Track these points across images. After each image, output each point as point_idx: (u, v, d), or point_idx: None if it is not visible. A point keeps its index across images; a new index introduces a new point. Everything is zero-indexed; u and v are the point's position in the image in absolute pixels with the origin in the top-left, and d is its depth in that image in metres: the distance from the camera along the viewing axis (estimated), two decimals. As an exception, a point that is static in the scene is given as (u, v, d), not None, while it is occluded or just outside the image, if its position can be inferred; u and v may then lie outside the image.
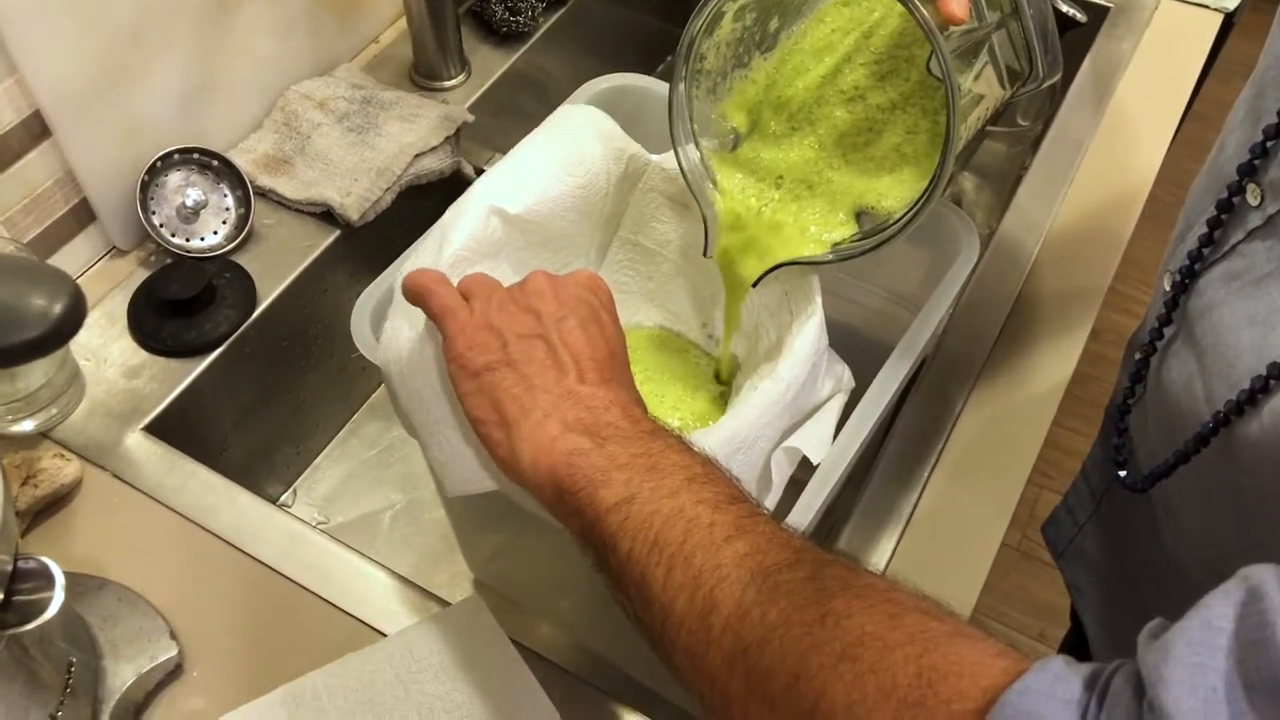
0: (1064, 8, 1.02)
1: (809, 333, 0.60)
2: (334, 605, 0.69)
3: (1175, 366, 0.56)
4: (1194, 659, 0.30)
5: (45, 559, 0.51)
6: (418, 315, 0.60)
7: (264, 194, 0.88)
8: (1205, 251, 0.54)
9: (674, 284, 0.73)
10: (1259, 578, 0.31)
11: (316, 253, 0.87)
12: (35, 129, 0.76)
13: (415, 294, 0.55)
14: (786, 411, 0.58)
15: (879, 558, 0.71)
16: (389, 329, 0.61)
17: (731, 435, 0.56)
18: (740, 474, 0.55)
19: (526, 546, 0.81)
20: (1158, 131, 0.98)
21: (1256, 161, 0.50)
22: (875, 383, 0.62)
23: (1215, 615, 0.31)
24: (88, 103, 0.77)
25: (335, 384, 0.95)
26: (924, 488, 0.74)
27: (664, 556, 0.43)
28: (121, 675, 0.63)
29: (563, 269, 0.70)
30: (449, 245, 0.60)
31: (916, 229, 0.61)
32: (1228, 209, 0.52)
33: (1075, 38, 1.03)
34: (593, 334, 0.52)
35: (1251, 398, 0.47)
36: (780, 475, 0.59)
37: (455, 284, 0.57)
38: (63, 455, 0.73)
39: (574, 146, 0.66)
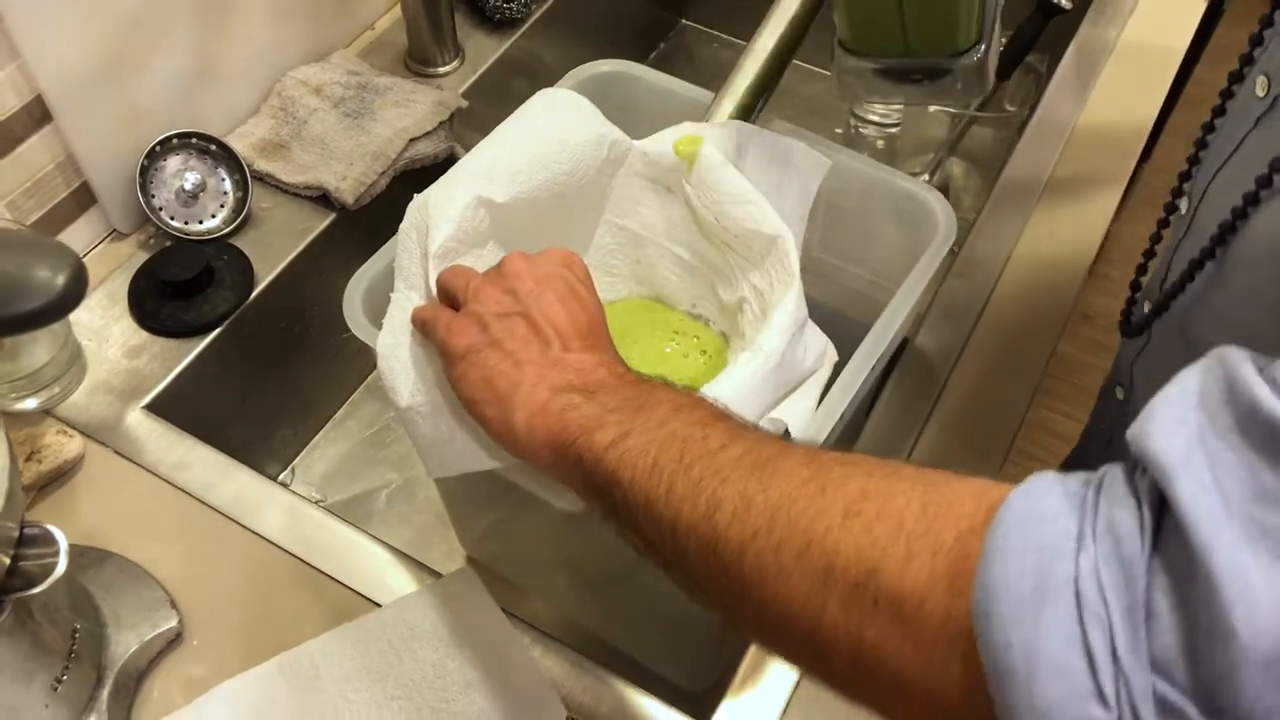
0: (1051, -6, 1.03)
1: (787, 304, 0.61)
2: (331, 577, 0.71)
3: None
4: (1174, 414, 0.32)
5: (49, 526, 0.53)
6: (418, 297, 0.62)
7: (261, 178, 0.90)
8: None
9: (662, 266, 0.75)
10: (1223, 350, 0.33)
11: (313, 235, 0.88)
12: (37, 113, 0.78)
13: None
14: (768, 383, 0.60)
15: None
16: (390, 311, 0.63)
17: None
18: None
19: (518, 527, 0.83)
20: (1142, 115, 1.00)
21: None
22: (855, 356, 0.64)
23: (1188, 381, 0.33)
24: (88, 88, 0.79)
25: (332, 366, 0.96)
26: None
27: (664, 476, 0.44)
28: (124, 643, 0.65)
29: (557, 243, 0.71)
30: (437, 235, 0.61)
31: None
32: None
33: (1061, 23, 1.04)
34: (572, 307, 0.54)
35: (1255, 197, 0.48)
36: None
37: (438, 275, 0.59)
38: (65, 432, 0.75)
39: (556, 133, 0.68)
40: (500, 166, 0.65)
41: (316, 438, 0.97)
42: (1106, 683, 0.30)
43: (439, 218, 0.62)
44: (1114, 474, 0.34)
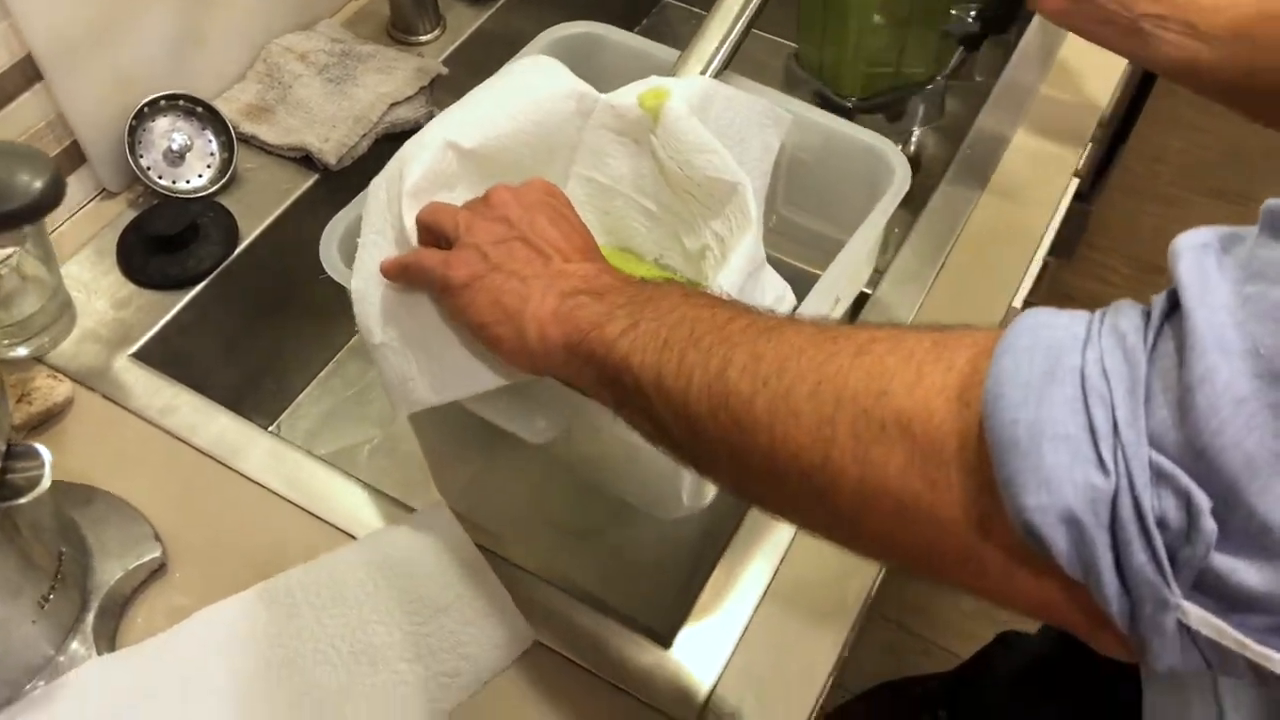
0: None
1: (744, 247, 0.64)
2: (310, 513, 0.73)
3: None
4: (1196, 240, 0.35)
5: (34, 444, 0.56)
6: (385, 241, 0.65)
7: (247, 140, 0.93)
8: None
9: (630, 217, 0.78)
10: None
11: (296, 194, 0.91)
12: (29, 72, 0.80)
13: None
14: None
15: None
16: (359, 256, 0.66)
17: None
18: None
19: (496, 478, 0.86)
20: (1103, 81, 1.03)
21: None
22: (809, 296, 0.67)
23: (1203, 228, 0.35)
24: (78, 48, 0.82)
25: (316, 324, 0.99)
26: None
27: (675, 351, 0.47)
28: (109, 571, 0.68)
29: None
30: (408, 176, 0.64)
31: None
32: None
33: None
34: (564, 228, 0.57)
35: None
36: None
37: (414, 214, 0.62)
38: (55, 376, 0.77)
39: (525, 87, 0.71)
40: (470, 117, 0.68)
41: (301, 396, 1.00)
42: (1106, 452, 0.33)
43: (410, 161, 0.64)
44: (1120, 302, 0.36)
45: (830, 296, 0.68)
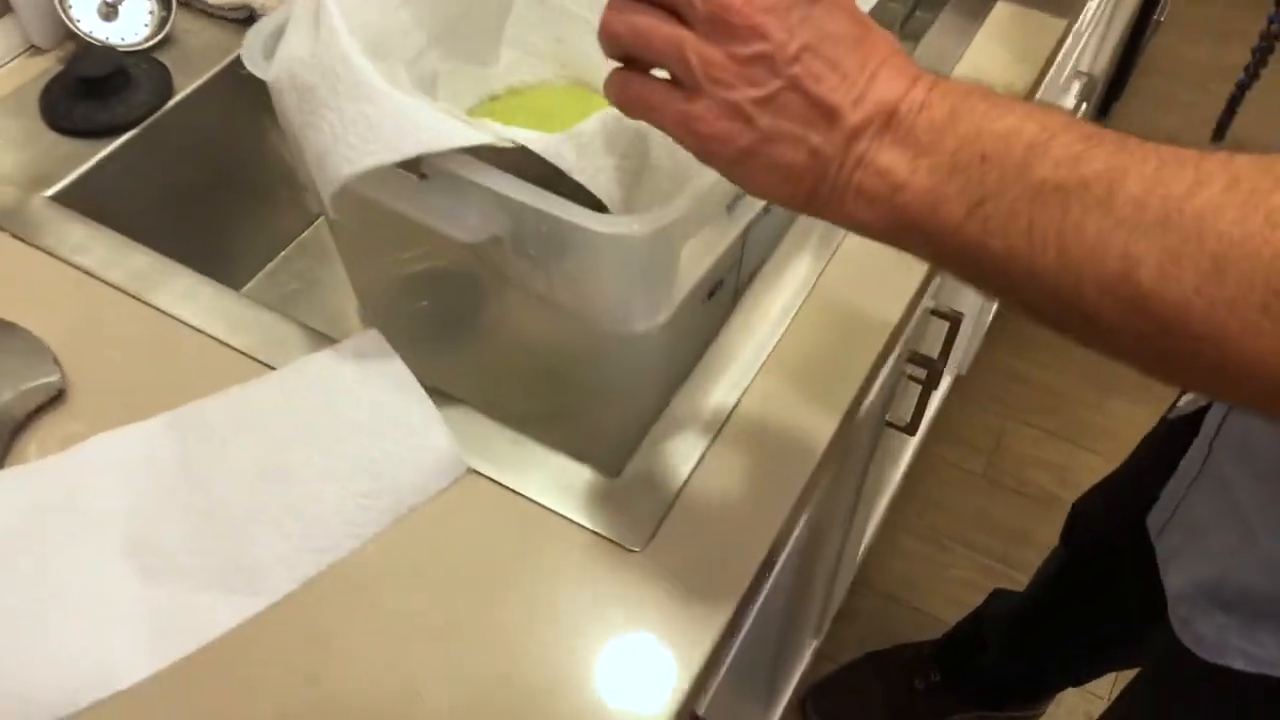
0: None
1: None
2: (230, 346, 0.67)
3: None
4: None
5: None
6: (305, 19, 0.59)
7: (187, 2, 0.88)
8: None
9: (586, 43, 0.72)
10: None
11: (236, 54, 0.86)
12: (-54, -104, 0.76)
13: (623, 100, 0.48)
14: None
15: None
16: (282, 46, 0.61)
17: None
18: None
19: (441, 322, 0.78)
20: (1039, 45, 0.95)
21: None
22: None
23: None
24: (2, -123, 0.77)
25: (262, 210, 0.93)
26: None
27: (1049, 240, 0.39)
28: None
29: (462, 16, 0.69)
30: None
31: None
32: None
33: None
34: (842, 46, 0.43)
35: None
36: None
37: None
38: (-40, 208, 0.72)
39: None
40: None
41: (242, 290, 0.94)
42: None
43: None
44: None
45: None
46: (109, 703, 0.53)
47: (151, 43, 0.84)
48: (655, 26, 0.44)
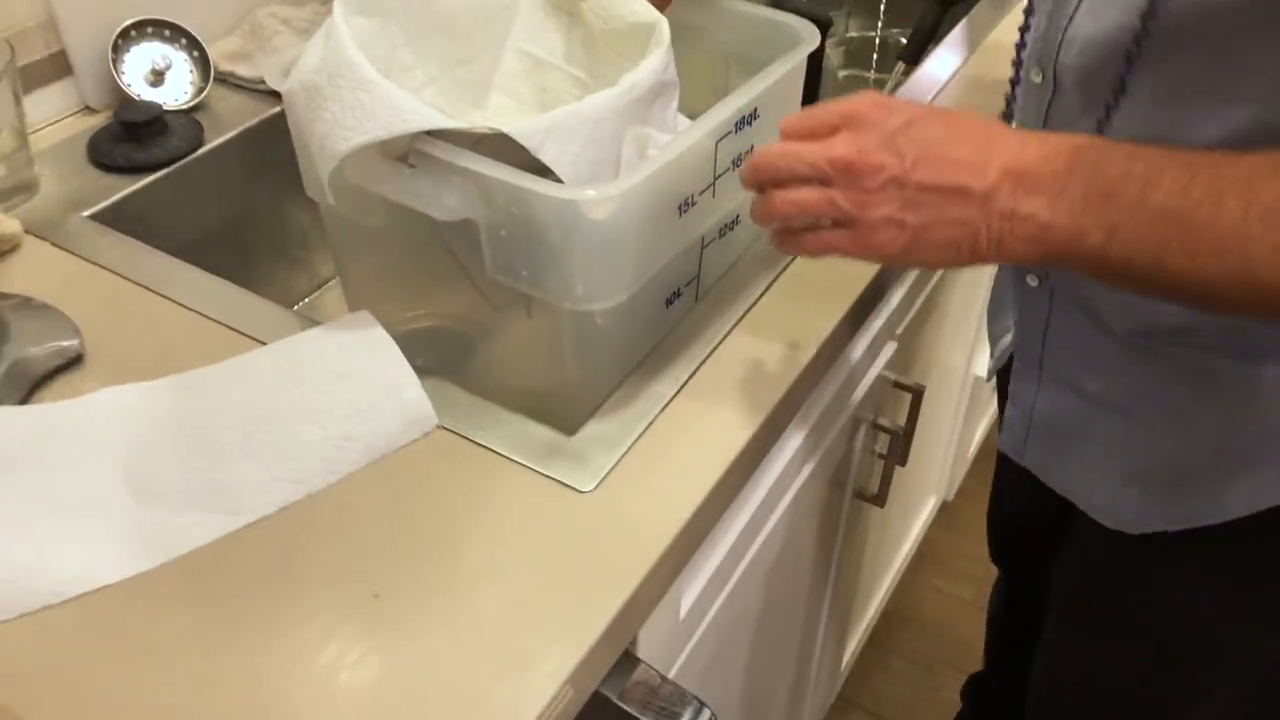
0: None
1: (656, 57, 0.69)
2: (236, 330, 0.74)
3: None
4: None
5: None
6: (318, 44, 0.69)
7: (224, 79, 1.00)
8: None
9: (562, 90, 0.83)
10: None
11: (265, 115, 0.97)
12: (26, -32, 0.89)
13: (813, 251, 0.61)
14: (621, 116, 0.66)
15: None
16: (297, 64, 0.71)
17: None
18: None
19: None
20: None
21: None
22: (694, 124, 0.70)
23: None
24: (76, -44, 0.90)
25: (270, 269, 1.02)
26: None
27: (1174, 250, 0.52)
28: (24, 343, 0.69)
29: (457, 63, 0.79)
30: None
31: None
32: None
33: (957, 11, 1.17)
34: (944, 148, 0.56)
35: None
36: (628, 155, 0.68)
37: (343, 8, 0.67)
38: (6, 215, 0.81)
39: None
40: None
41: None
42: None
43: None
44: None
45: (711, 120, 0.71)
46: (92, 596, 0.58)
47: (189, 105, 0.96)
48: (808, 197, 0.58)
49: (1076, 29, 0.63)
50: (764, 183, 0.60)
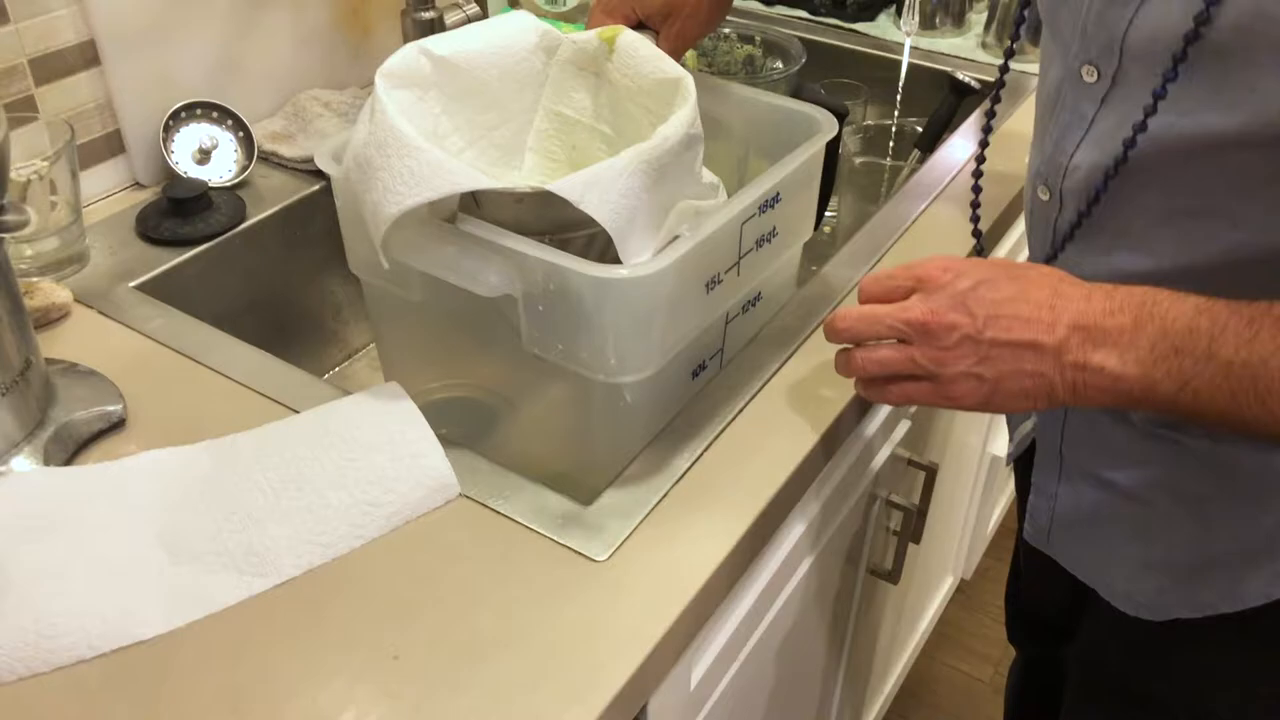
0: (961, 77, 1.20)
1: (684, 112, 0.72)
2: (271, 398, 0.78)
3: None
4: None
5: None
6: (364, 124, 0.74)
7: (266, 157, 1.05)
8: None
9: (595, 150, 0.86)
10: None
11: (305, 192, 1.02)
12: (88, 54, 0.94)
13: (897, 401, 0.68)
14: (654, 167, 0.69)
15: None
16: (348, 148, 0.75)
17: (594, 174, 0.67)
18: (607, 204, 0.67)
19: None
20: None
21: None
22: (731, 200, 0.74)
23: None
24: (134, 43, 0.96)
25: (305, 338, 1.06)
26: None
27: (1249, 402, 0.56)
28: (71, 407, 0.73)
29: (492, 128, 0.83)
30: (386, 63, 0.74)
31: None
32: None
33: (971, 101, 1.21)
34: (1013, 306, 0.60)
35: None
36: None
37: (387, 86, 0.71)
38: (59, 284, 0.85)
39: (492, 22, 0.82)
40: (443, 38, 0.79)
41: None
42: None
43: (390, 58, 0.75)
44: None
45: (737, 205, 0.75)
46: (122, 651, 0.61)
47: (233, 183, 1.01)
48: (890, 355, 0.64)
49: (1082, 157, 0.67)
50: (846, 342, 0.67)
